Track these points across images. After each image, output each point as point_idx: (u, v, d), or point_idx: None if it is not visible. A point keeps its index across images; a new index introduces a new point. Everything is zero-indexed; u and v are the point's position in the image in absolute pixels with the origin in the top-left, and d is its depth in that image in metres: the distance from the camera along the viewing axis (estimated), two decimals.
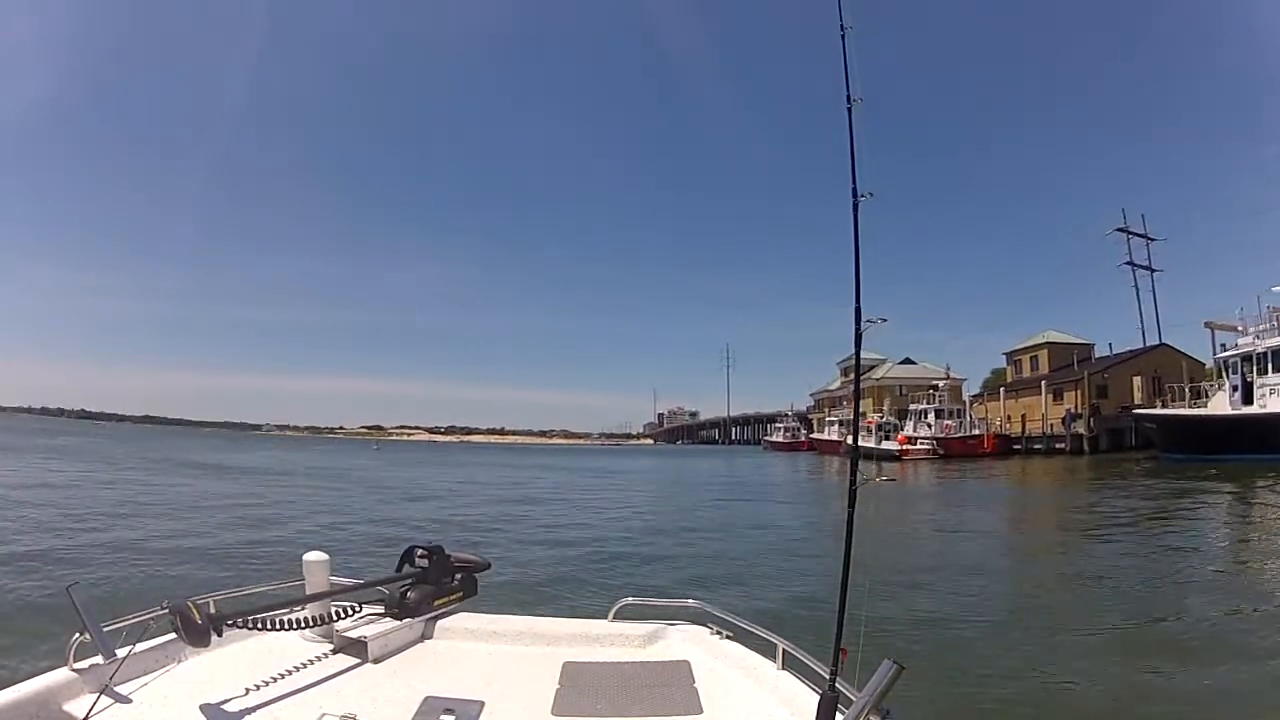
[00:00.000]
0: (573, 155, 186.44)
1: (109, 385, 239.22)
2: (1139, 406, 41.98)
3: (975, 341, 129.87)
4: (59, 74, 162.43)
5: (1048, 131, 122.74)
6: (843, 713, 1.72)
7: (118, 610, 2.22)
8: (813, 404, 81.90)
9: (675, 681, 2.28)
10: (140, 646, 2.15)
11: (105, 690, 1.99)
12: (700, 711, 2.07)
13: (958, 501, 21.13)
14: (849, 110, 2.23)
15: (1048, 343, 51.39)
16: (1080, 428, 40.18)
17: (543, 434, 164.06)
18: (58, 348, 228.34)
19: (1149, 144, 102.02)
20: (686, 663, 2.42)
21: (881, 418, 47.29)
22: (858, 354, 2.17)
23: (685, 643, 2.60)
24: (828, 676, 1.82)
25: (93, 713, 1.88)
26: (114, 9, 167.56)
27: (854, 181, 2.16)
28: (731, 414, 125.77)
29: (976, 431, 42.75)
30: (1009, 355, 55.23)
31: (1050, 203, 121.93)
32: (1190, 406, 31.45)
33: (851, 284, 2.11)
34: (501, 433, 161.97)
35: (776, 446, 73.41)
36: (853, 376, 72.80)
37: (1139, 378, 44.22)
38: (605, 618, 2.76)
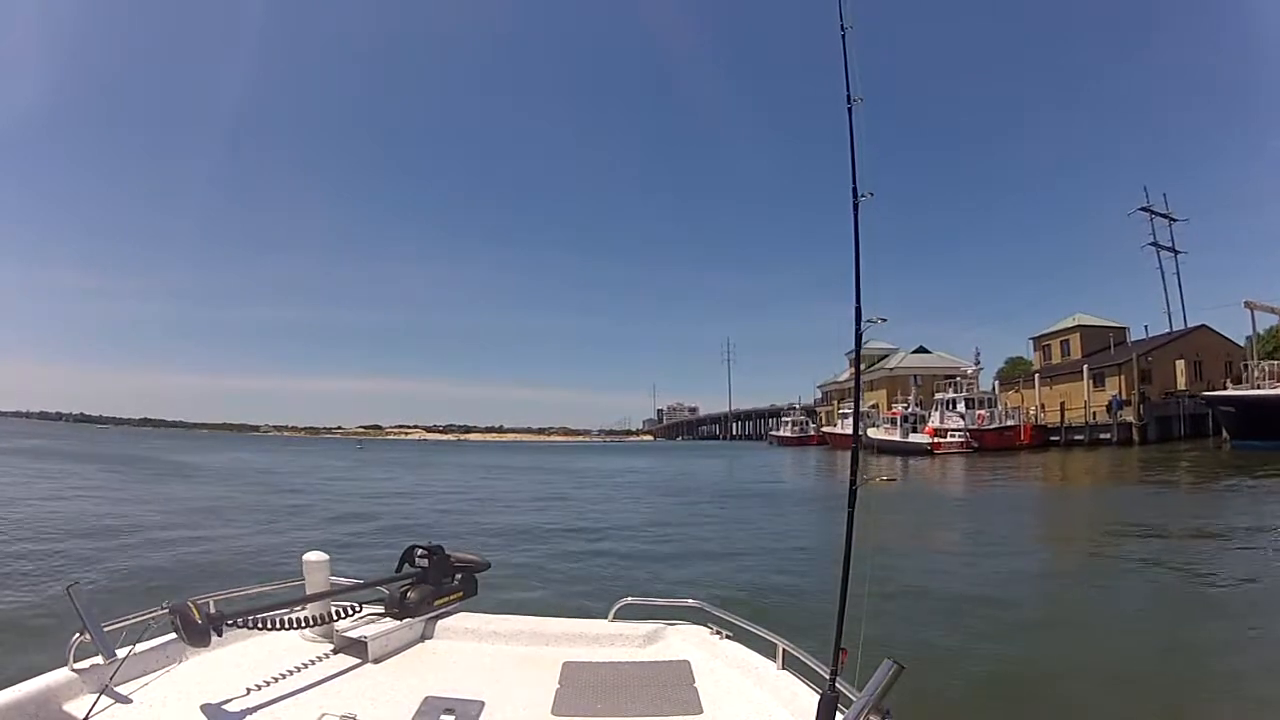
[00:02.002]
0: (572, 154, 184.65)
1: (108, 389, 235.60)
2: (1184, 393, 38.79)
3: (978, 335, 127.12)
4: (59, 74, 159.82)
5: (1045, 126, 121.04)
6: (843, 713, 1.71)
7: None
8: (820, 397, 78.81)
9: (675, 681, 2.26)
10: (140, 647, 2.13)
11: (105, 690, 1.98)
12: (700, 711, 2.06)
13: (1013, 514, 16.76)
14: (849, 109, 2.20)
15: (1080, 326, 47.50)
16: (1129, 415, 36.59)
17: (541, 432, 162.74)
18: (56, 351, 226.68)
19: (1149, 139, 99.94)
20: (686, 663, 2.41)
21: (906, 408, 43.28)
22: (858, 353, 2.19)
23: (685, 643, 2.58)
24: (828, 676, 1.80)
25: (93, 713, 1.88)
26: (116, 9, 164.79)
27: (854, 180, 2.13)
28: (733, 409, 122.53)
29: (1011, 422, 38.99)
30: (1036, 340, 51.39)
31: (1050, 196, 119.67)
32: (1271, 386, 27.79)
33: (852, 282, 2.10)
34: (500, 431, 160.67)
35: (784, 441, 70.17)
36: (863, 367, 70.01)
37: (1181, 361, 40.90)
38: (605, 617, 2.72)
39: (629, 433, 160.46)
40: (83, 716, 1.83)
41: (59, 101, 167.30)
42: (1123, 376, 39.10)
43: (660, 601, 2.85)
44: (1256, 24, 72.67)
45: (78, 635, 2.03)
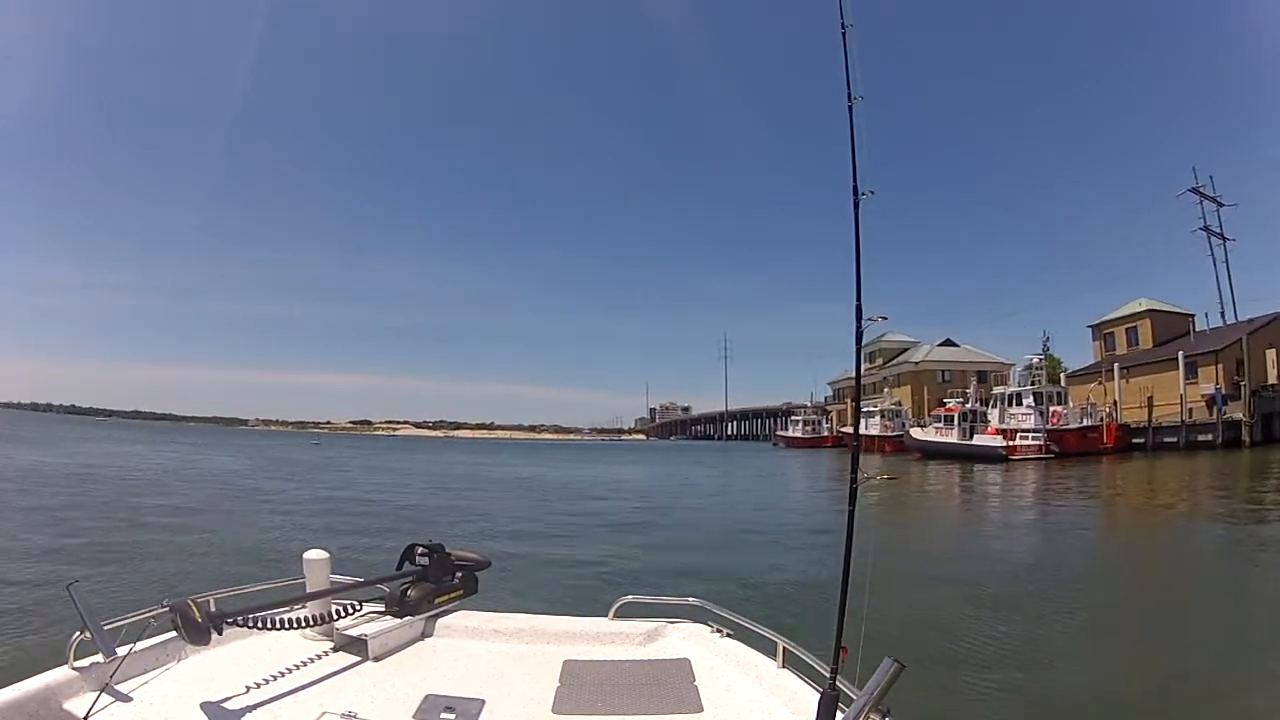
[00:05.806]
0: (568, 152, 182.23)
1: (101, 381, 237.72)
2: (1275, 386, 33.20)
3: (975, 337, 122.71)
4: (54, 66, 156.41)
5: (1047, 125, 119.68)
6: (843, 711, 1.69)
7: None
8: (831, 394, 72.89)
9: (676, 679, 2.24)
10: (141, 645, 2.09)
11: (106, 688, 1.96)
12: (700, 710, 2.04)
13: None
14: (850, 108, 2.20)
15: (1150, 311, 41.11)
16: (1238, 413, 30.57)
17: (532, 429, 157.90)
18: (51, 344, 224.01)
19: (1149, 143, 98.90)
20: (687, 661, 2.38)
21: (965, 404, 36.74)
22: (858, 352, 2.19)
23: (686, 641, 2.56)
24: (828, 675, 1.78)
25: (93, 711, 1.86)
26: (116, 6, 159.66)
27: (855, 179, 2.14)
28: (728, 409, 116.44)
29: (1091, 422, 32.78)
30: (1096, 328, 44.73)
31: (1046, 196, 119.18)
32: None
33: (853, 281, 2.10)
34: (490, 428, 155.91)
35: (793, 443, 63.78)
36: (881, 362, 63.92)
37: (1272, 350, 35.10)
38: (606, 615, 2.70)
39: (621, 431, 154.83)
40: (83, 715, 1.82)
41: (53, 94, 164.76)
42: (1220, 366, 33.01)
43: (661, 599, 2.77)
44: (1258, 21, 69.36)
45: (78, 634, 2.00)
